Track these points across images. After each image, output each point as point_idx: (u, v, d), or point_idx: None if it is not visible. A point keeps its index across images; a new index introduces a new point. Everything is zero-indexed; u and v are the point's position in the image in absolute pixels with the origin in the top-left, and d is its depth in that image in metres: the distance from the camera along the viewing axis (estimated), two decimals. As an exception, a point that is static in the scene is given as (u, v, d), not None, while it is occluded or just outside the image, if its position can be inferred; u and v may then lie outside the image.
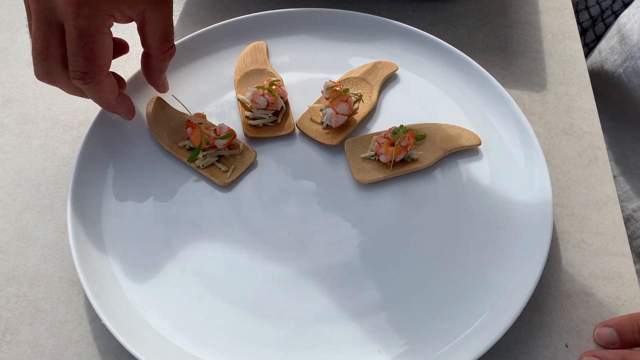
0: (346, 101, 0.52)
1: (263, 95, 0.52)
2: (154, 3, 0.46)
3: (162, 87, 0.53)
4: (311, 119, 0.54)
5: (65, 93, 0.56)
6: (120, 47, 0.51)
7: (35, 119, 0.57)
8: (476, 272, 0.46)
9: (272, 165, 0.52)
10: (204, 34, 0.59)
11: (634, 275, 0.47)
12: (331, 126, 0.53)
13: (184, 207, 0.50)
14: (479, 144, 0.52)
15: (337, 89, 0.52)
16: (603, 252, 0.48)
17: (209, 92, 0.57)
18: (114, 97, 0.48)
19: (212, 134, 0.50)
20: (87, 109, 0.57)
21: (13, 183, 0.53)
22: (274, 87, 0.53)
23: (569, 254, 0.48)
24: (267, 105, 0.53)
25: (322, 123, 0.54)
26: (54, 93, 0.58)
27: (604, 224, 0.50)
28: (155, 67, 0.50)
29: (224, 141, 0.50)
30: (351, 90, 0.54)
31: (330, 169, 0.52)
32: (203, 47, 0.59)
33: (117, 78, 0.51)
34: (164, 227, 0.49)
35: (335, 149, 0.53)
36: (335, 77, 0.57)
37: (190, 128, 0.51)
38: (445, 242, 0.48)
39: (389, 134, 0.51)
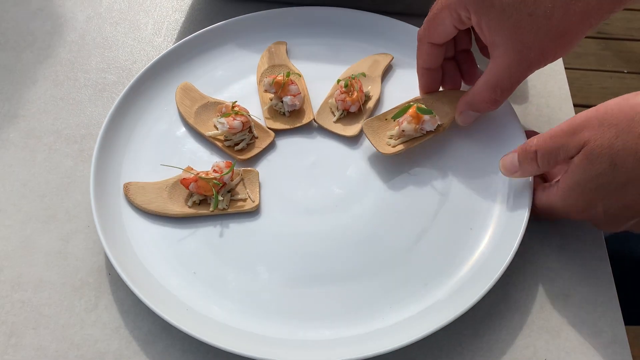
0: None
1: (234, 119, 0.55)
2: (511, 38, 0.46)
3: (460, 116, 0.54)
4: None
5: (68, 109, 0.59)
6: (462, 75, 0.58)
7: (39, 134, 0.59)
8: (455, 278, 0.49)
9: (279, 167, 0.56)
10: (221, 27, 0.64)
11: (611, 278, 0.49)
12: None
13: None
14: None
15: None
16: (582, 256, 0.51)
17: (228, 78, 0.62)
18: (420, 66, 0.55)
19: (214, 175, 0.52)
20: (89, 124, 0.60)
21: (18, 195, 0.55)
22: (235, 108, 0.56)
23: (549, 257, 0.51)
24: (243, 126, 0.55)
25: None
26: (58, 109, 0.61)
27: (583, 228, 0.52)
28: (467, 97, 0.53)
29: (229, 174, 0.52)
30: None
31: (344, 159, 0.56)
32: (223, 37, 0.64)
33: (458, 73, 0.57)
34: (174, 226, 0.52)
35: (349, 142, 0.57)
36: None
37: (192, 183, 0.51)
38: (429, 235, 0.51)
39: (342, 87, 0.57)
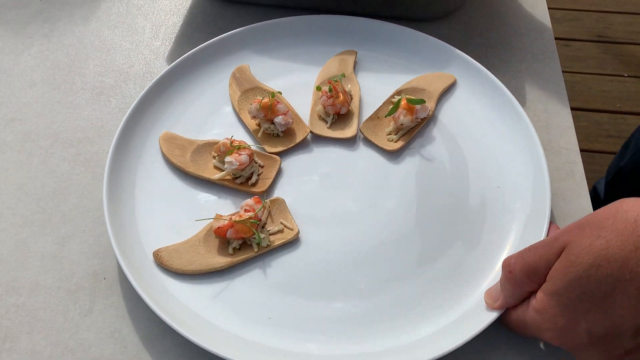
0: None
1: (240, 154, 0.53)
2: None
3: None
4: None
5: (65, 112, 0.59)
6: None
7: (35, 137, 0.59)
8: (453, 283, 0.49)
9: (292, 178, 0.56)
10: (178, 65, 0.61)
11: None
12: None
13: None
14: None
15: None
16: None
17: (204, 115, 0.59)
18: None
19: (248, 214, 0.50)
20: (85, 127, 0.60)
21: (14, 198, 0.55)
22: (235, 143, 0.54)
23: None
24: (250, 158, 0.53)
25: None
26: (55, 112, 0.61)
27: (579, 235, 0.52)
28: None
29: (262, 209, 0.51)
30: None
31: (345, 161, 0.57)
32: (183, 74, 0.61)
33: None
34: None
35: (347, 146, 0.58)
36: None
37: (229, 230, 0.49)
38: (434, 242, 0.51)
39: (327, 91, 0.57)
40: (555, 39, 0.68)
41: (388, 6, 0.66)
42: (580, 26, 1.93)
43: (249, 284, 0.49)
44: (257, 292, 0.48)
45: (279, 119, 0.56)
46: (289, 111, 0.57)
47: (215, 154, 0.55)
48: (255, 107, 0.56)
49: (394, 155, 0.56)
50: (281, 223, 0.51)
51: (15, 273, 0.51)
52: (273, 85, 0.61)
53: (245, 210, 0.50)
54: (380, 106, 0.59)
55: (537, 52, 0.66)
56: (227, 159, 0.53)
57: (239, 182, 0.54)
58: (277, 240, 0.50)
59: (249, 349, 0.45)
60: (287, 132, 0.57)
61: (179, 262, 0.49)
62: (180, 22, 0.70)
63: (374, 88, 0.61)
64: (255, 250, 0.49)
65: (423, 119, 0.57)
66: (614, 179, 0.92)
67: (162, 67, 0.65)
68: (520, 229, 0.51)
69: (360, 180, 0.55)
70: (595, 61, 1.83)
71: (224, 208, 0.53)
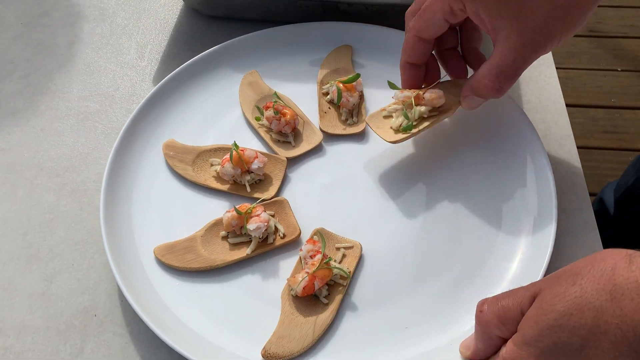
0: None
1: (259, 215, 0.50)
2: (515, 29, 0.43)
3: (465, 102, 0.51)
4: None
5: (49, 140, 0.57)
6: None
7: (20, 168, 0.57)
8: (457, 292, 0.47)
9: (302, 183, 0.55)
10: (200, 60, 0.62)
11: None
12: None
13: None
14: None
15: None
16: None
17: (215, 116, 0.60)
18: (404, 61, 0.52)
19: (317, 257, 0.48)
20: (71, 156, 0.58)
21: (-1, 233, 0.53)
22: (245, 209, 0.50)
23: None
24: (265, 221, 0.50)
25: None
26: (39, 141, 0.59)
27: (583, 250, 0.50)
28: (466, 87, 0.50)
29: (325, 244, 0.49)
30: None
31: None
32: (201, 73, 0.62)
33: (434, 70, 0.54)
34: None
35: (357, 138, 0.58)
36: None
37: (315, 283, 0.46)
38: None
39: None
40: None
41: (374, 19, 0.64)
42: (572, 21, 1.92)
43: (359, 318, 0.47)
44: (374, 317, 0.47)
45: (255, 165, 0.53)
46: (257, 152, 0.54)
47: (227, 232, 0.50)
48: (228, 167, 0.52)
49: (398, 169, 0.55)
50: (337, 249, 0.50)
51: (1, 314, 0.49)
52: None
53: (312, 257, 0.48)
54: (319, 103, 0.59)
55: (532, 59, 0.65)
56: (250, 226, 0.48)
57: (271, 242, 0.50)
58: (351, 263, 0.49)
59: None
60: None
61: (295, 344, 0.45)
62: (166, 41, 0.68)
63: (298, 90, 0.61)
64: (344, 284, 0.48)
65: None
66: (622, 197, 0.90)
67: (148, 89, 0.63)
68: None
69: (360, 178, 0.55)
70: (588, 56, 1.82)
71: (266, 275, 0.50)
